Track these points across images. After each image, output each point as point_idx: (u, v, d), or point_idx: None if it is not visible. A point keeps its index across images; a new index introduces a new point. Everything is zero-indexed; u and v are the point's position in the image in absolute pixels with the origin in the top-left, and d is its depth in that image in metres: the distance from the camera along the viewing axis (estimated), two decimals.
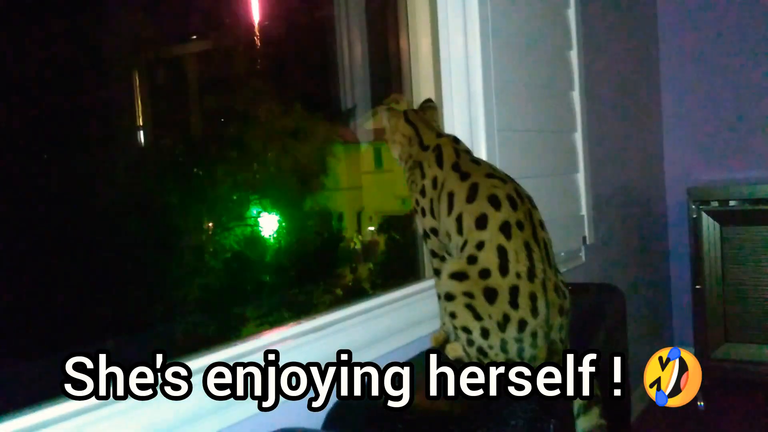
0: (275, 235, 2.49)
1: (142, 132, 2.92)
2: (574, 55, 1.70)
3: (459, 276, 0.98)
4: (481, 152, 1.34)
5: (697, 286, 2.42)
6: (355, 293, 2.02)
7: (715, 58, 2.62)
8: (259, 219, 3.02)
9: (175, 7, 2.88)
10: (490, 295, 0.96)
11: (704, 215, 2.38)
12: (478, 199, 1.00)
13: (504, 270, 0.95)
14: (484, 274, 0.96)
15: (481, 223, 0.98)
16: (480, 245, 0.97)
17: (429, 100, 1.22)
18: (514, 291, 0.95)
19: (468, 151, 1.12)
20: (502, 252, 0.96)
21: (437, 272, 1.07)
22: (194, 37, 2.93)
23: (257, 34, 2.48)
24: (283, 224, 2.91)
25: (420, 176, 1.09)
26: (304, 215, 2.81)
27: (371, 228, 2.80)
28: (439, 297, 1.04)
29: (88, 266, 1.57)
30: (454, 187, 1.04)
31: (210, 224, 3.04)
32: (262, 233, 2.16)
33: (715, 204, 2.37)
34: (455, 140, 1.13)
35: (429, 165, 1.09)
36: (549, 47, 1.66)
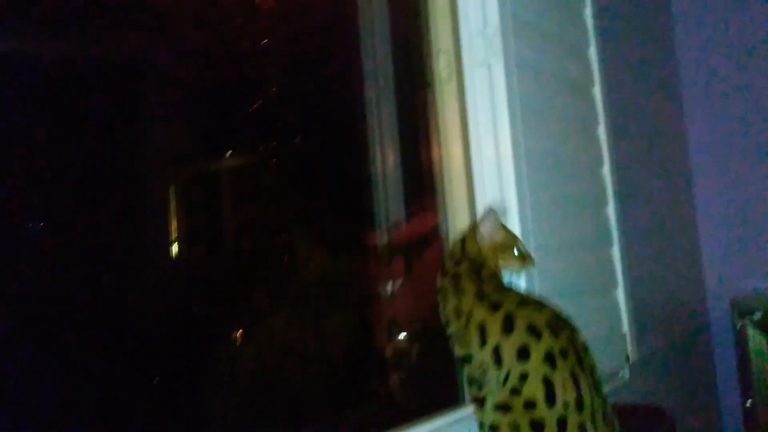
0: (302, 346, 2.44)
1: (175, 246, 2.94)
2: (606, 172, 1.69)
3: (503, 407, 0.93)
4: None
5: (747, 404, 2.30)
6: (386, 411, 1.93)
7: (755, 159, 2.60)
8: (287, 330, 2.96)
9: (211, 123, 2.97)
10: (537, 427, 0.90)
11: (749, 326, 2.29)
12: (516, 330, 0.96)
13: (551, 400, 0.91)
14: (530, 405, 0.91)
15: (523, 354, 0.94)
16: (524, 377, 0.93)
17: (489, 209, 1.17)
18: (562, 423, 0.90)
19: (495, 275, 1.08)
20: (548, 383, 0.91)
21: (477, 400, 1.01)
22: (229, 152, 3.01)
23: (290, 148, 2.53)
24: (311, 335, 2.85)
25: (443, 305, 1.06)
26: (335, 325, 2.76)
27: (402, 336, 2.74)
28: (481, 426, 0.98)
29: (119, 382, 1.54)
30: (484, 319, 0.99)
31: (239, 335, 2.99)
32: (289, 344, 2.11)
33: (759, 315, 2.28)
34: (475, 264, 1.08)
35: (448, 293, 1.06)
36: (582, 163, 1.66)
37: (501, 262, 1.10)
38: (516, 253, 1.11)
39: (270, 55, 2.31)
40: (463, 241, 1.13)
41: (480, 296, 1.02)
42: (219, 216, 3.12)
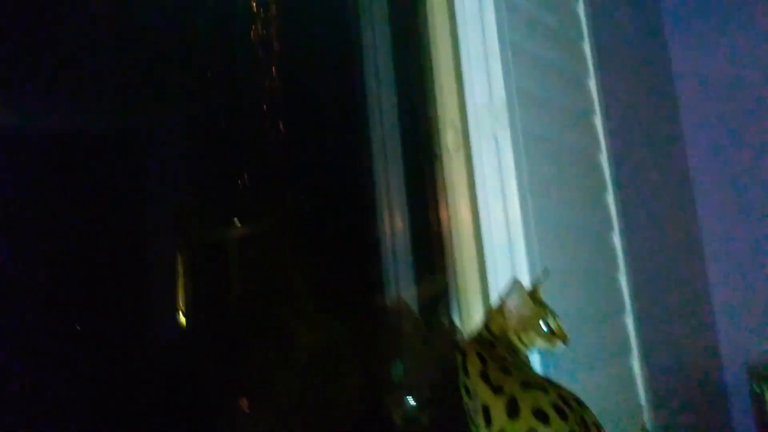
0: (309, 413, 2.39)
1: (180, 313, 2.92)
2: (616, 238, 1.69)
3: None
4: None
5: None
6: None
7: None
8: (293, 396, 2.90)
9: (218, 192, 2.98)
10: None
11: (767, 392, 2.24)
12: (521, 415, 0.93)
13: None
14: None
15: None
16: None
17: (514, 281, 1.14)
18: None
19: (509, 353, 1.06)
20: None
21: None
22: (237, 221, 3.02)
23: (296, 216, 2.54)
24: (318, 402, 2.80)
25: (458, 380, 1.05)
26: (342, 390, 2.71)
27: (411, 402, 2.68)
28: None
29: None
30: (488, 401, 0.97)
31: (246, 403, 2.94)
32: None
33: None
34: (482, 341, 1.07)
35: (459, 369, 1.04)
36: (591, 228, 1.65)
37: (529, 339, 1.07)
38: (545, 328, 1.08)
39: (278, 125, 2.34)
40: (487, 316, 1.12)
41: (484, 377, 1.00)
42: (225, 283, 3.11)
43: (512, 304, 1.09)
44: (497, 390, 0.97)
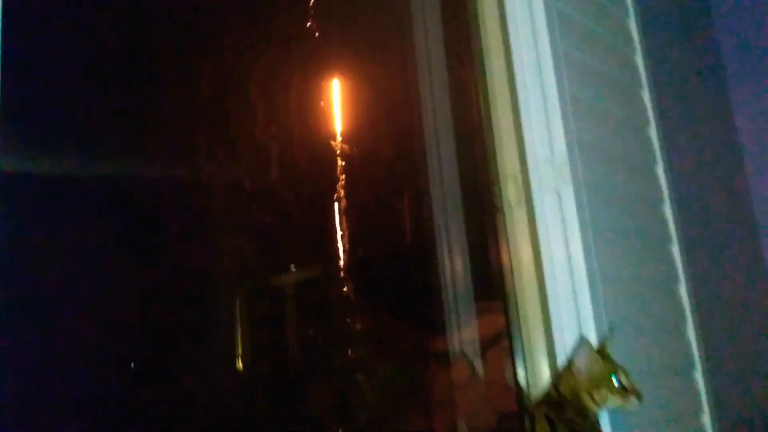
0: None
1: (239, 358, 2.95)
2: (683, 291, 1.65)
3: None
4: None
5: None
6: None
7: None
8: None
9: (277, 239, 3.03)
10: None
11: None
12: None
13: None
14: None
15: None
16: None
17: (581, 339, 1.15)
18: None
19: (572, 421, 1.03)
20: None
21: None
22: (293, 267, 3.05)
23: (356, 259, 2.56)
24: None
25: None
26: None
27: None
28: None
29: None
30: None
31: None
32: None
33: None
34: (551, 403, 1.06)
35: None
36: (656, 280, 1.62)
37: (602, 397, 1.05)
38: (617, 385, 1.06)
39: (340, 178, 2.38)
40: (556, 377, 1.10)
41: None
42: (285, 329, 3.13)
43: (581, 362, 1.07)
44: None
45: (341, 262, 2.57)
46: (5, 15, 0.74)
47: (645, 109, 1.76)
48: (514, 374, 1.36)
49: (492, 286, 1.49)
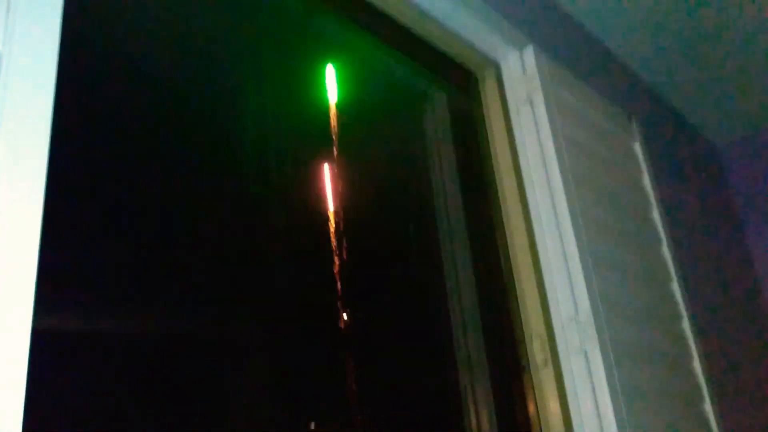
0: None
1: None
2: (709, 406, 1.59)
3: None
4: None
5: None
6: None
7: None
8: None
9: (294, 398, 2.97)
10: None
11: None
12: None
13: None
14: None
15: None
16: None
17: None
18: None
19: None
20: None
21: None
22: (312, 425, 2.97)
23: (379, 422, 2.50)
24: None
25: None
26: None
27: None
28: None
29: None
30: None
31: None
32: None
33: None
34: None
35: None
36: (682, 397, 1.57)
37: None
38: None
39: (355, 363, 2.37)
40: None
41: None
42: None
43: None
44: None
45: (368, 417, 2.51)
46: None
47: (666, 263, 1.77)
48: None
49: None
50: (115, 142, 2.00)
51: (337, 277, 2.16)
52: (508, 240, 1.54)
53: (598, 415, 1.31)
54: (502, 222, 1.56)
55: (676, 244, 1.85)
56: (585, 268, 1.43)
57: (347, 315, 2.17)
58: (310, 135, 2.21)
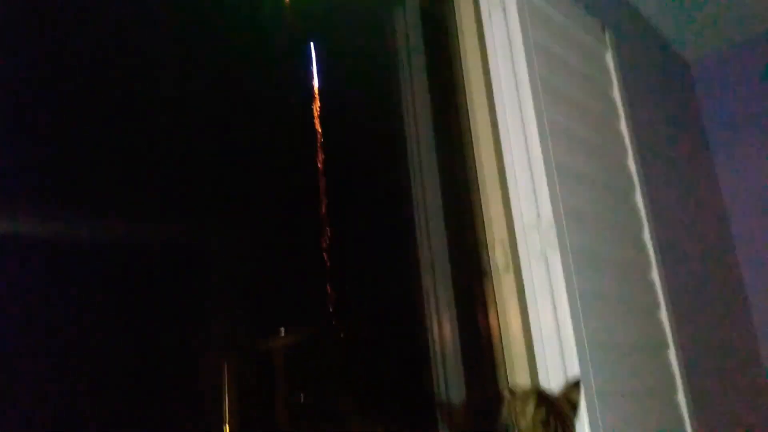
0: None
1: (227, 424, 2.89)
2: (672, 356, 1.65)
3: None
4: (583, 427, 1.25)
5: None
6: None
7: None
8: None
9: (266, 303, 3.01)
10: None
11: None
12: None
13: None
14: None
15: None
16: None
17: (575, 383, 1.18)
18: None
19: None
20: None
21: None
22: (282, 331, 3.02)
23: (345, 325, 2.55)
24: None
25: None
26: None
27: None
28: None
29: None
30: None
31: None
32: None
33: None
34: None
35: None
36: (645, 345, 1.62)
37: None
38: None
39: (328, 247, 2.39)
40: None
41: None
42: (274, 394, 3.08)
43: None
44: None
45: (330, 327, 2.56)
46: None
47: (631, 175, 1.79)
48: None
49: (481, 351, 1.49)
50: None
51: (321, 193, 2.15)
52: (475, 146, 1.53)
53: (556, 319, 1.35)
54: (469, 128, 1.55)
55: (642, 157, 1.86)
56: (549, 174, 1.43)
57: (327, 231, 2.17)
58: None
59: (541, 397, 1.13)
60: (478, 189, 1.50)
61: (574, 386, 1.19)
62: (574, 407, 1.15)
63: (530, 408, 1.09)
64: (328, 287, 2.51)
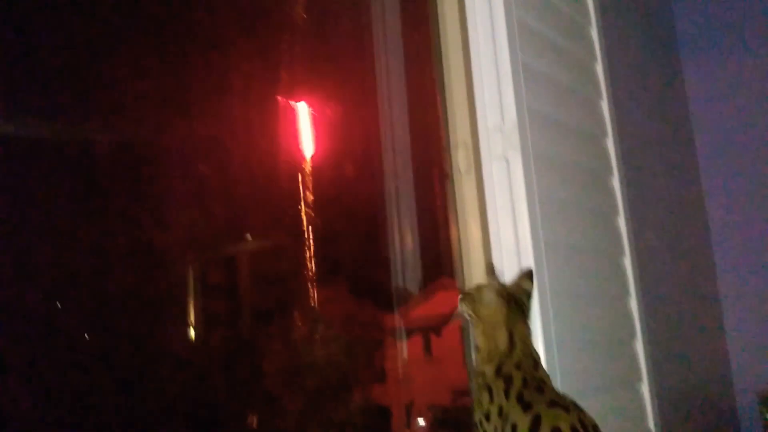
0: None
1: (191, 328, 2.92)
2: (627, 263, 1.68)
3: None
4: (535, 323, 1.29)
5: None
6: None
7: None
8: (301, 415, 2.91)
9: (231, 207, 3.00)
10: None
11: None
12: (540, 430, 0.95)
13: None
14: None
15: None
16: None
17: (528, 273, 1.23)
18: None
19: (539, 378, 1.08)
20: None
21: None
22: (248, 236, 3.02)
23: (311, 228, 2.56)
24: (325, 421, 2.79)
25: (488, 399, 1.05)
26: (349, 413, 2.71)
27: (421, 422, 2.67)
28: None
29: None
30: (516, 419, 1.00)
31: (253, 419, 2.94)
32: None
33: None
34: (530, 361, 1.09)
35: (497, 393, 1.05)
36: (602, 251, 1.65)
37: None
38: None
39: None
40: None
41: (520, 398, 1.03)
42: (236, 297, 3.11)
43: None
44: (526, 408, 1.01)
45: (294, 232, 2.56)
46: None
47: (598, 82, 1.77)
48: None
49: (439, 251, 1.50)
50: None
51: None
52: (442, 48, 1.50)
53: (514, 220, 1.36)
54: (438, 28, 1.51)
55: (611, 65, 1.84)
56: (515, 78, 1.41)
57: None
58: None
59: (498, 288, 1.17)
60: (444, 91, 1.48)
61: (526, 275, 1.22)
62: (528, 295, 1.20)
63: (489, 296, 1.13)
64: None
